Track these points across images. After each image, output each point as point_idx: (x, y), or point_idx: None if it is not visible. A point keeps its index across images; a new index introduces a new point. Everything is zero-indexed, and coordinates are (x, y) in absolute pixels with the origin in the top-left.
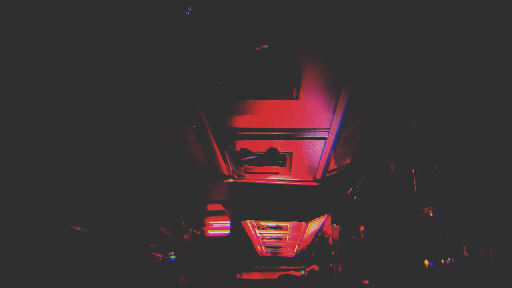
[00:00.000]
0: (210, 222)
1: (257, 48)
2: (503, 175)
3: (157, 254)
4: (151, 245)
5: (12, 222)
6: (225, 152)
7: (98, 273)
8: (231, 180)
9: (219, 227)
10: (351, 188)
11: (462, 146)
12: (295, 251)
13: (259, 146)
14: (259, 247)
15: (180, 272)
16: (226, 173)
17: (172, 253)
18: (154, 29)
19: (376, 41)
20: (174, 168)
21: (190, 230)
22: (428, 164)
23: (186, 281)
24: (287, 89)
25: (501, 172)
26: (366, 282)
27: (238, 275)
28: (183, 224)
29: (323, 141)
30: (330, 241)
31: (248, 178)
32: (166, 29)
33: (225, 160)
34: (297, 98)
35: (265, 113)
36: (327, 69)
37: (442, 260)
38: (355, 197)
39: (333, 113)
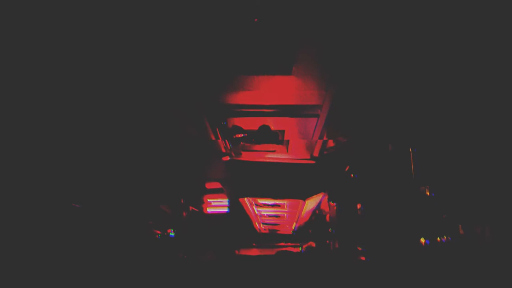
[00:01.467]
0: (208, 200)
1: (256, 20)
2: (499, 156)
3: (156, 231)
4: (150, 222)
5: (15, 197)
6: (217, 129)
7: (98, 249)
8: (228, 158)
9: (218, 204)
10: (348, 166)
11: (460, 127)
12: (293, 228)
13: (251, 124)
14: (257, 225)
15: (179, 248)
16: (223, 150)
17: (172, 229)
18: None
19: (369, 26)
20: (170, 146)
21: (190, 208)
22: (426, 143)
23: (185, 257)
24: (280, 64)
25: (497, 152)
26: (363, 258)
27: (236, 252)
28: (182, 201)
29: (315, 118)
30: (327, 219)
31: (246, 156)
32: None
33: (216, 137)
34: (290, 74)
35: (258, 89)
36: (322, 46)
37: (438, 238)
38: (352, 175)
39: (326, 90)
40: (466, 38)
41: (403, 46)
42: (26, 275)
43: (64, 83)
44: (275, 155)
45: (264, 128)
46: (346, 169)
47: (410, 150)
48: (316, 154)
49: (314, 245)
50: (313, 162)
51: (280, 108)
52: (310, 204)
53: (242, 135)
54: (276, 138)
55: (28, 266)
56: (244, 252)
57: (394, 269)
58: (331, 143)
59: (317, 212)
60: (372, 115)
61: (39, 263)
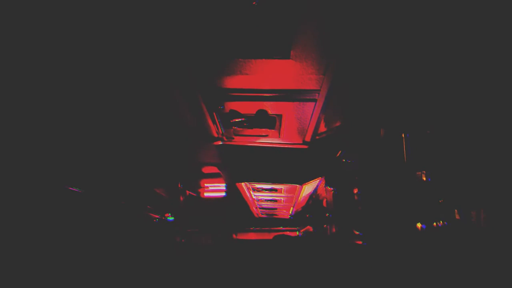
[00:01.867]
0: (205, 184)
1: (254, 3)
2: (495, 139)
3: (154, 215)
4: (148, 206)
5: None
6: (214, 114)
7: (95, 233)
8: (220, 143)
9: (215, 189)
10: (340, 151)
11: (454, 111)
12: (290, 212)
13: (249, 108)
14: (254, 209)
15: (176, 232)
16: (215, 135)
17: (169, 214)
18: None
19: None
20: (165, 130)
21: (187, 192)
22: (420, 128)
23: (182, 241)
24: (279, 48)
25: (493, 136)
26: (360, 242)
27: (234, 236)
28: (179, 186)
29: (313, 103)
30: (324, 203)
31: (238, 141)
32: None
33: (214, 122)
34: (289, 58)
35: (255, 73)
36: (321, 30)
37: (434, 223)
38: (349, 160)
39: (324, 74)
40: (467, 27)
41: (404, 32)
42: (17, 261)
43: (51, 70)
44: (268, 139)
45: (262, 112)
46: (338, 154)
47: (403, 135)
48: (308, 139)
49: (311, 229)
50: (305, 147)
51: (278, 93)
52: (307, 189)
53: (240, 119)
54: (273, 123)
55: (18, 251)
56: (242, 236)
57: (391, 253)
58: (327, 128)
59: (314, 197)
60: (371, 100)
61: (30, 247)
